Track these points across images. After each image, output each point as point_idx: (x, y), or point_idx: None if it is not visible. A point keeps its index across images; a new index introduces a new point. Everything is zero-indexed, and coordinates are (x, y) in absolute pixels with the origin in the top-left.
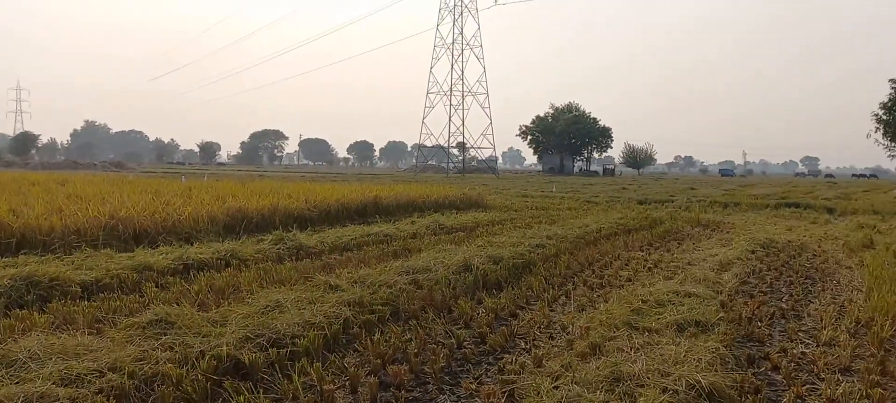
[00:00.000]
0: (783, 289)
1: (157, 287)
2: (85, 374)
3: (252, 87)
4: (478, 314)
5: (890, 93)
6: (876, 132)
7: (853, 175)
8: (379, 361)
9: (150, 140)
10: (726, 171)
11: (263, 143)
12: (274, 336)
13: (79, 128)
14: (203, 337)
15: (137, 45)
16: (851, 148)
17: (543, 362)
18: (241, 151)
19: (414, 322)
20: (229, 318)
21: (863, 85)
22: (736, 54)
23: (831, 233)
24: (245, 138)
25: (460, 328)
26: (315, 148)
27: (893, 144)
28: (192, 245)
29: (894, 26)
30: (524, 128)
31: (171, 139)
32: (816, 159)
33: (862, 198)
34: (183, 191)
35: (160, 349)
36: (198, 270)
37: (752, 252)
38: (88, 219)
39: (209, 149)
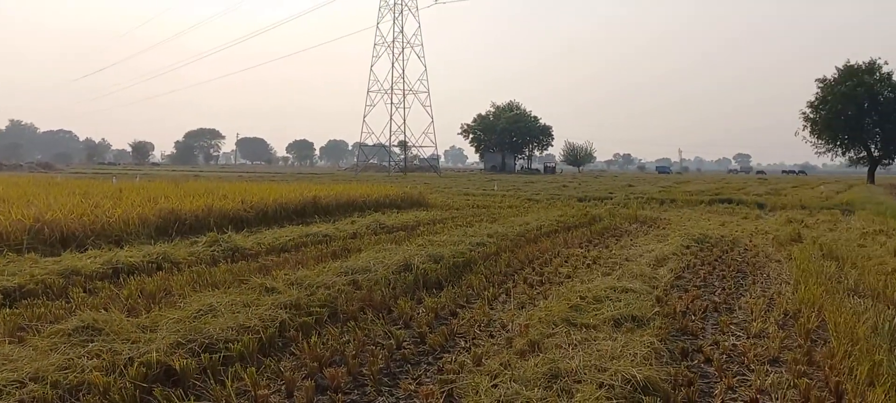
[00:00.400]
0: (716, 283)
1: (84, 292)
2: (4, 385)
3: (187, 85)
4: (418, 313)
5: (817, 93)
6: (804, 130)
7: (783, 171)
8: (316, 364)
9: (81, 140)
10: (663, 169)
11: (199, 143)
12: (207, 341)
13: (3, 127)
14: (132, 344)
15: (66, 42)
16: (781, 145)
17: (483, 360)
18: (175, 151)
19: (352, 323)
20: (160, 323)
21: (791, 83)
22: (674, 52)
23: (762, 228)
24: (180, 137)
25: (400, 328)
26: (253, 147)
27: (820, 142)
28: (122, 248)
29: (823, 35)
30: (466, 127)
31: (103, 139)
32: (748, 156)
33: (791, 194)
34: (113, 193)
35: (86, 356)
36: (128, 274)
37: (687, 247)
38: (12, 222)
39: (142, 149)
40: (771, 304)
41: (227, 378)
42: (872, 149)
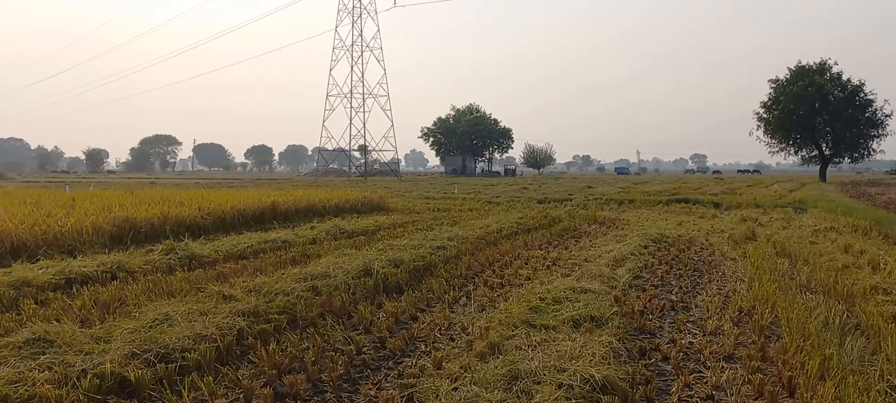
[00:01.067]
0: (673, 282)
1: (36, 303)
2: None
3: (142, 91)
4: (378, 318)
5: (769, 94)
6: (758, 130)
7: (738, 171)
8: (274, 372)
9: (32, 148)
10: (622, 169)
11: (155, 149)
12: (162, 351)
13: None
14: (85, 355)
15: (14, 46)
16: (736, 145)
17: (443, 364)
18: (130, 158)
19: (312, 329)
20: (115, 334)
21: (745, 84)
22: (630, 53)
23: (718, 227)
24: (135, 144)
25: (360, 333)
26: (210, 153)
27: (773, 141)
28: (75, 258)
29: (778, 46)
30: (426, 130)
31: (55, 147)
32: (705, 156)
33: (746, 193)
34: (66, 202)
35: (38, 369)
36: (81, 284)
37: (645, 247)
38: None
39: (96, 157)
40: (726, 302)
41: (184, 389)
42: (823, 148)
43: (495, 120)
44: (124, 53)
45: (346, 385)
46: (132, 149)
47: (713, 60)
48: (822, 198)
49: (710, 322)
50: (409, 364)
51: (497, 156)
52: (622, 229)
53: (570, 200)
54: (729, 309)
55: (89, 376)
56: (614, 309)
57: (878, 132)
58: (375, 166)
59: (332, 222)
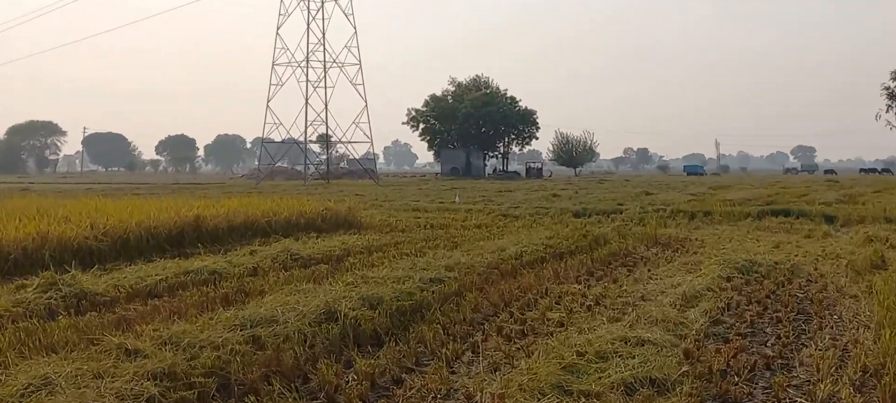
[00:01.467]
0: (768, 330)
1: None
2: None
3: (8, 59)
4: (347, 382)
5: None
6: (887, 112)
7: (861, 170)
8: None
9: None
10: (694, 169)
11: (28, 142)
12: None
13: None
14: None
15: None
16: (857, 134)
17: None
18: None
19: (252, 398)
20: None
21: (872, 46)
22: (704, 25)
23: (832, 250)
24: (0, 135)
25: None
26: (108, 146)
27: None
28: None
29: None
30: (414, 113)
31: None
32: (812, 150)
33: (871, 201)
34: None
35: None
36: None
37: (728, 279)
38: None
39: None
40: (844, 357)
41: None
42: None
43: (512, 98)
44: None
45: None
46: None
47: (828, 7)
48: None
49: (822, 386)
50: None
51: (515, 149)
52: (695, 253)
53: (621, 212)
54: (848, 368)
55: None
56: (684, 369)
57: None
58: (343, 165)
59: (281, 244)
